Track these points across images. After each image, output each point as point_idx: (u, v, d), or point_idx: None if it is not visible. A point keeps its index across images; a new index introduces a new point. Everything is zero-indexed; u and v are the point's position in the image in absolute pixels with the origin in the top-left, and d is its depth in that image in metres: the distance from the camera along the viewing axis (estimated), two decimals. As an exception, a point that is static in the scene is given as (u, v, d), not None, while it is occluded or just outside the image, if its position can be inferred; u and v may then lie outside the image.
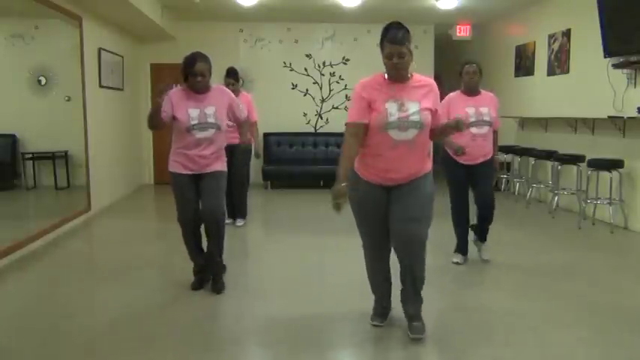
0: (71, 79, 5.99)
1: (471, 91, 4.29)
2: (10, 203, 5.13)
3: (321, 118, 9.39)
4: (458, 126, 2.88)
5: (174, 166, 3.68)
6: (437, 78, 10.28)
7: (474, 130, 4.17)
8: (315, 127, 9.43)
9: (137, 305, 3.56)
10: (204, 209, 3.69)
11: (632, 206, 5.74)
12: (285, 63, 9.29)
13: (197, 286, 3.82)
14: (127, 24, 7.48)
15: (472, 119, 4.16)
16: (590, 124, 6.36)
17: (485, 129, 4.22)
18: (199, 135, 3.60)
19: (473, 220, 4.52)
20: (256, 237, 5.82)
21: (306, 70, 9.31)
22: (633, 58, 5.44)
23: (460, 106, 4.20)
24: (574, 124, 6.68)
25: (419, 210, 2.90)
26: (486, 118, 4.21)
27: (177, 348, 2.91)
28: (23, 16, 5.16)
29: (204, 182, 3.69)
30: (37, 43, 5.45)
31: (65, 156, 5.90)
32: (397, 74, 2.84)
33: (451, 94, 4.32)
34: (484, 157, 4.28)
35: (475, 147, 4.19)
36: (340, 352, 3.02)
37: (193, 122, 3.57)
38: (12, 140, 5.03)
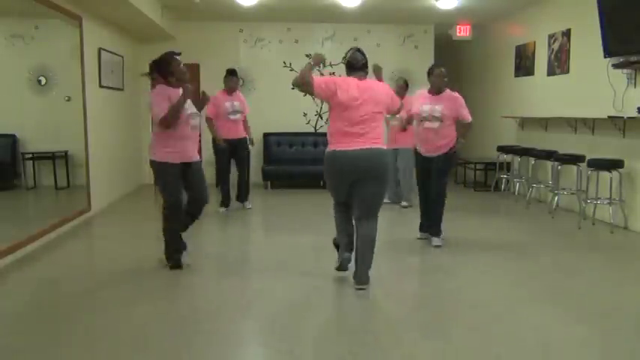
0: (71, 79, 5.99)
1: (436, 91, 4.90)
2: (10, 203, 5.13)
3: (321, 118, 9.39)
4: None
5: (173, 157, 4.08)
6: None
7: (427, 124, 4.84)
8: (315, 127, 9.43)
9: (136, 305, 3.57)
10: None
11: (632, 206, 5.74)
12: (285, 63, 9.29)
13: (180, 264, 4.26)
14: (127, 24, 7.48)
15: (425, 114, 4.84)
16: (590, 124, 6.36)
17: (436, 124, 4.80)
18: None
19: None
20: (256, 237, 5.82)
21: (306, 70, 9.30)
22: (633, 58, 5.44)
23: (420, 102, 4.95)
24: (574, 124, 6.68)
25: None
26: (436, 115, 4.79)
27: (176, 348, 2.91)
28: (23, 16, 5.16)
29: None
30: (37, 43, 5.45)
31: (65, 156, 5.90)
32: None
33: (419, 90, 5.13)
34: (436, 150, 4.86)
35: (427, 139, 4.87)
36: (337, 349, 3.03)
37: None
38: (12, 140, 5.02)
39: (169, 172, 4.05)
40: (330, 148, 3.68)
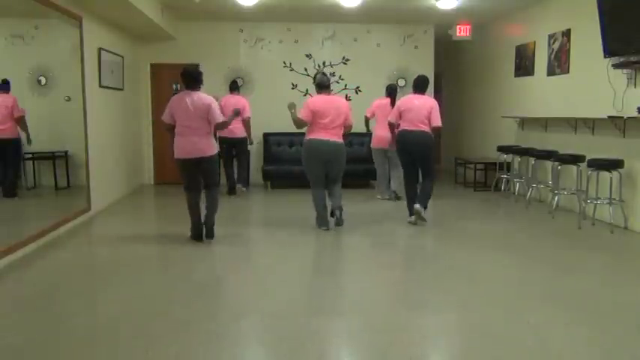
0: (71, 79, 5.99)
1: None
2: (10, 203, 5.12)
3: (321, 118, 9.38)
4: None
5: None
6: (437, 78, 10.30)
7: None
8: (315, 127, 9.42)
9: (137, 305, 3.57)
10: None
11: (632, 206, 5.74)
12: (285, 63, 9.29)
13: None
14: (127, 24, 7.48)
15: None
16: (590, 124, 6.36)
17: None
18: None
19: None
20: (256, 237, 5.81)
21: (306, 70, 9.31)
22: (633, 58, 5.44)
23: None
24: (574, 124, 6.69)
25: None
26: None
27: (177, 347, 2.91)
28: (23, 16, 5.16)
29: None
30: (37, 43, 5.45)
31: (65, 156, 5.90)
32: None
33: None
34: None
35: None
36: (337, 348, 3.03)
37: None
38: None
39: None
40: (308, 137, 5.59)
